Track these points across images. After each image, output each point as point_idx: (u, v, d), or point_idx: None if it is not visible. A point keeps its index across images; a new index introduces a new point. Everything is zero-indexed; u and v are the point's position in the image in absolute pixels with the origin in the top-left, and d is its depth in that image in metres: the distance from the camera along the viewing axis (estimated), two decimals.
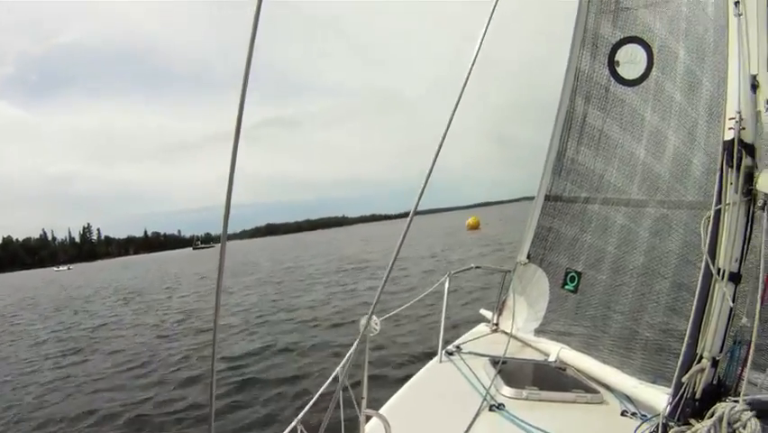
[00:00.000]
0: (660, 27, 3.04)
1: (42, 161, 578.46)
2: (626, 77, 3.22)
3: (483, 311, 4.18)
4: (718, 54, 2.72)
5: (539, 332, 3.54)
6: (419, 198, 1.67)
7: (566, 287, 3.47)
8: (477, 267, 4.33)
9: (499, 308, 3.93)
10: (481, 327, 3.98)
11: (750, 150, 1.86)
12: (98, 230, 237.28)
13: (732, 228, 1.87)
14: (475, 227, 46.54)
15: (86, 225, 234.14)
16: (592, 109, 3.38)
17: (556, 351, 3.28)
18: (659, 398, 2.51)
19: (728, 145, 1.88)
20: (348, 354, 2.66)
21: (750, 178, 1.84)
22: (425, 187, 1.65)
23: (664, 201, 2.98)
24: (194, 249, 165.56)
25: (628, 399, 2.70)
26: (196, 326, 13.24)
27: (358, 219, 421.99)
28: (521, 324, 3.63)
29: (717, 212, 1.92)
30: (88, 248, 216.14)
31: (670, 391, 2.49)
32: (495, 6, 1.72)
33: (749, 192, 1.85)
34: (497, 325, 3.89)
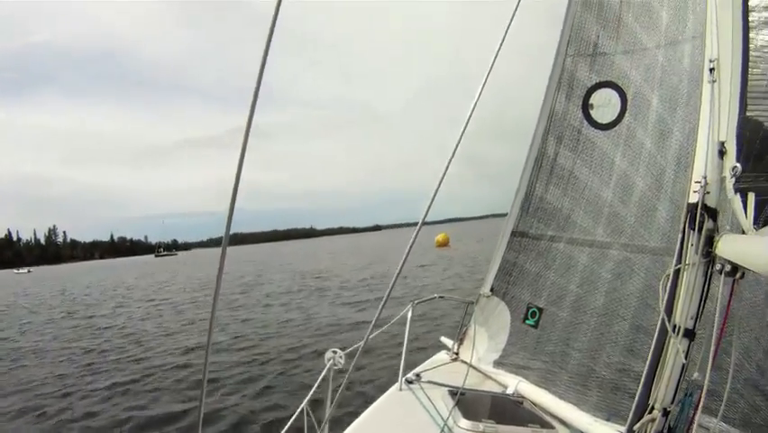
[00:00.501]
0: (635, 74, 3.12)
1: (12, 160, 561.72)
2: (598, 120, 3.29)
3: (444, 339, 4.19)
4: (690, 106, 2.81)
5: (498, 364, 3.56)
6: (427, 211, 1.68)
7: (527, 321, 3.51)
8: (441, 297, 4.38)
9: (460, 338, 3.94)
10: (442, 355, 3.99)
11: (712, 213, 1.92)
12: (64, 232, 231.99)
13: (690, 288, 1.93)
14: (444, 244, 44.57)
15: (51, 227, 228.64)
16: (563, 150, 3.44)
17: (514, 384, 3.30)
18: None
19: (692, 208, 1.94)
20: (313, 388, 2.65)
21: (710, 240, 1.90)
22: (432, 201, 1.67)
23: (628, 245, 3.05)
24: (156, 256, 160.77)
25: None
26: (129, 355, 11.12)
27: (326, 231, 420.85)
28: (481, 355, 3.66)
29: (677, 271, 1.98)
30: (53, 250, 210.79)
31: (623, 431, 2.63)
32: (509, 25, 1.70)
33: (708, 254, 1.90)
34: (456, 354, 3.90)
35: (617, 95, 3.19)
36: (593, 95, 3.31)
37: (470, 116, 1.64)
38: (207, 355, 1.52)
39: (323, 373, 2.79)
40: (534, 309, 3.48)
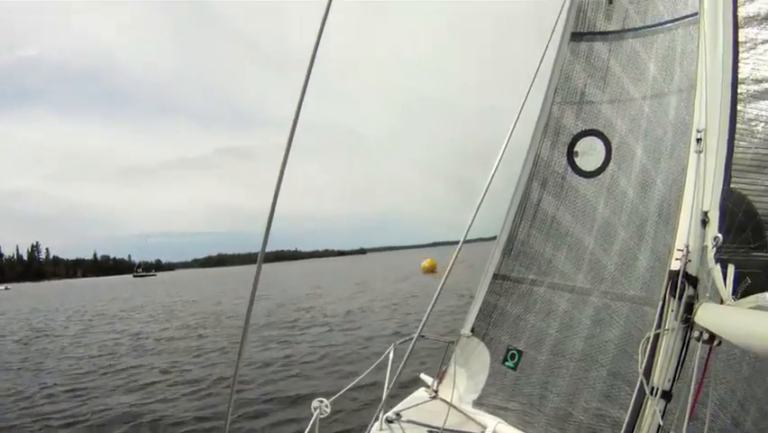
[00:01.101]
0: (621, 124, 3.16)
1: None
2: (583, 168, 3.33)
3: (424, 376, 4.19)
4: (674, 158, 2.86)
5: (477, 404, 3.57)
6: (467, 231, 1.64)
7: (506, 363, 3.52)
8: (422, 336, 4.40)
9: (440, 377, 3.95)
10: (421, 393, 3.99)
11: (693, 281, 1.97)
12: (47, 249, 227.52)
13: (668, 351, 1.97)
14: (431, 271, 40.90)
15: (34, 244, 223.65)
16: (547, 195, 3.46)
17: (493, 425, 3.31)
18: None
19: (673, 275, 1.99)
20: None
21: (690, 307, 1.95)
22: (472, 221, 1.66)
23: (608, 292, 3.08)
24: (134, 276, 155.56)
25: None
26: (67, 414, 8.54)
27: (311, 254, 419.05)
28: (460, 394, 3.66)
29: (657, 334, 2.04)
30: (36, 267, 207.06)
31: None
32: None
33: (687, 320, 1.95)
34: (436, 392, 3.90)
35: (601, 143, 3.23)
36: (578, 142, 3.35)
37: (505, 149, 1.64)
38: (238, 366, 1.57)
39: (310, 424, 2.80)
40: (514, 351, 3.49)
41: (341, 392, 3.37)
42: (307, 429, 2.74)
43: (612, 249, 3.09)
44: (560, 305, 3.29)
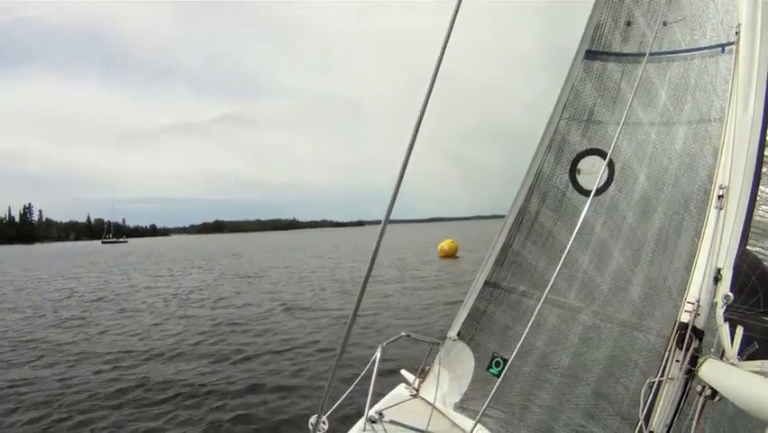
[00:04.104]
0: (626, 147, 3.15)
1: None
2: (584, 186, 3.32)
3: (405, 373, 4.21)
4: (677, 189, 2.86)
5: (459, 408, 3.60)
6: (389, 210, 1.64)
7: (491, 370, 3.54)
8: (407, 335, 4.37)
9: (422, 376, 3.97)
10: (401, 390, 4.00)
11: (699, 335, 2.02)
12: (40, 211, 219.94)
13: (669, 399, 2.03)
14: (451, 255, 33.76)
15: (26, 205, 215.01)
16: (545, 209, 3.46)
17: (474, 431, 3.30)
18: None
19: (682, 327, 2.03)
20: None
21: (694, 360, 1.99)
22: (394, 199, 1.63)
23: (598, 312, 3.10)
24: (102, 243, 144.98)
25: None
26: None
27: (309, 224, 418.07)
28: (442, 396, 3.69)
29: (659, 382, 2.09)
30: (27, 230, 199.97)
31: None
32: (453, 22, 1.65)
33: (690, 371, 2.00)
34: (417, 390, 3.93)
35: (605, 164, 3.20)
36: (582, 160, 3.34)
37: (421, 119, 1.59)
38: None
39: None
40: (499, 360, 3.51)
41: (336, 404, 3.36)
42: None
43: (606, 270, 3.10)
44: (549, 319, 3.30)
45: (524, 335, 2.11)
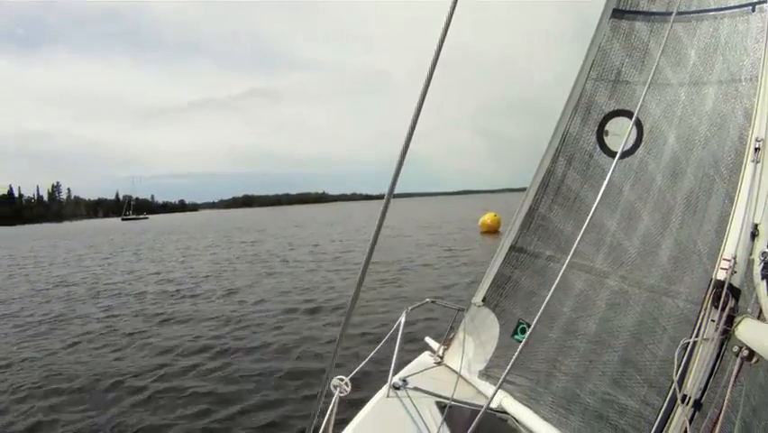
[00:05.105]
0: (655, 108, 3.09)
1: (20, 117, 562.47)
2: (612, 148, 3.26)
3: (429, 340, 4.20)
4: (707, 150, 2.80)
5: (483, 375, 3.58)
6: (392, 185, 1.64)
7: (516, 337, 3.52)
8: (432, 301, 4.32)
9: (447, 343, 3.95)
10: (426, 357, 4.00)
11: (736, 293, 1.94)
12: (68, 189, 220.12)
13: (704, 361, 1.96)
14: (493, 230, 29.83)
15: (55, 184, 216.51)
16: (572, 172, 3.40)
17: (499, 398, 3.32)
18: None
19: (717, 286, 1.96)
20: (321, 416, 2.66)
21: (730, 320, 1.92)
22: (397, 174, 1.62)
23: (626, 277, 3.04)
24: (122, 220, 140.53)
25: None
26: None
27: (338, 197, 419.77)
28: (467, 364, 3.66)
29: (694, 342, 2.01)
30: (56, 208, 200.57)
31: None
32: None
33: (726, 332, 1.92)
34: (441, 358, 3.92)
35: (633, 125, 3.14)
36: (609, 122, 3.28)
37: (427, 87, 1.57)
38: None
39: (331, 404, 2.77)
40: (525, 326, 3.48)
41: (358, 368, 3.33)
42: (329, 410, 2.72)
43: (634, 234, 3.04)
44: (575, 284, 3.26)
45: (546, 298, 2.04)
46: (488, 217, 30.93)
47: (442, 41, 1.55)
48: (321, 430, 2.55)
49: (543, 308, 1.98)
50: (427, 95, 1.61)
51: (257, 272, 19.68)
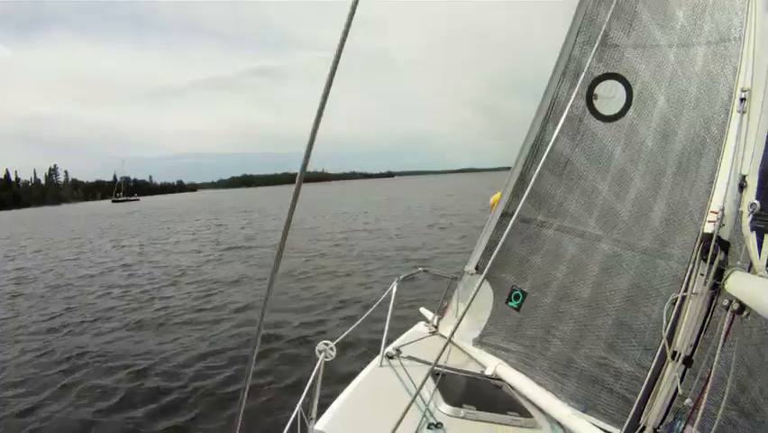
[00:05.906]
0: (644, 70, 3.06)
1: (22, 100, 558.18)
2: (601, 112, 3.24)
3: (423, 310, 4.22)
4: (697, 111, 2.78)
5: (478, 343, 3.60)
6: (302, 170, 1.58)
7: (510, 303, 3.52)
8: (425, 270, 4.38)
9: (441, 312, 3.97)
10: (420, 327, 4.01)
11: (725, 246, 1.90)
12: (66, 172, 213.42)
13: (693, 316, 1.93)
14: None
15: (52, 167, 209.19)
16: (562, 137, 3.37)
17: (493, 365, 3.34)
18: (591, 430, 2.64)
19: (706, 238, 1.92)
20: (310, 382, 2.64)
21: (719, 273, 1.89)
22: (308, 154, 1.58)
23: (619, 240, 3.04)
24: (113, 202, 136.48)
25: (560, 425, 2.81)
26: None
27: (339, 176, 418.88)
28: (461, 332, 3.65)
29: (683, 298, 1.98)
30: (53, 191, 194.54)
31: (601, 425, 2.66)
32: None
33: (715, 286, 1.89)
34: (436, 327, 3.93)
35: (623, 88, 3.13)
36: (599, 85, 3.24)
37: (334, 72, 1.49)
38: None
39: (315, 368, 2.76)
40: (518, 292, 3.49)
41: (346, 333, 3.35)
42: (313, 373, 2.71)
43: (626, 197, 3.04)
44: (568, 249, 3.27)
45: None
46: (498, 197, 29.77)
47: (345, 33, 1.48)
48: (305, 392, 2.54)
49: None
50: (331, 88, 1.55)
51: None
